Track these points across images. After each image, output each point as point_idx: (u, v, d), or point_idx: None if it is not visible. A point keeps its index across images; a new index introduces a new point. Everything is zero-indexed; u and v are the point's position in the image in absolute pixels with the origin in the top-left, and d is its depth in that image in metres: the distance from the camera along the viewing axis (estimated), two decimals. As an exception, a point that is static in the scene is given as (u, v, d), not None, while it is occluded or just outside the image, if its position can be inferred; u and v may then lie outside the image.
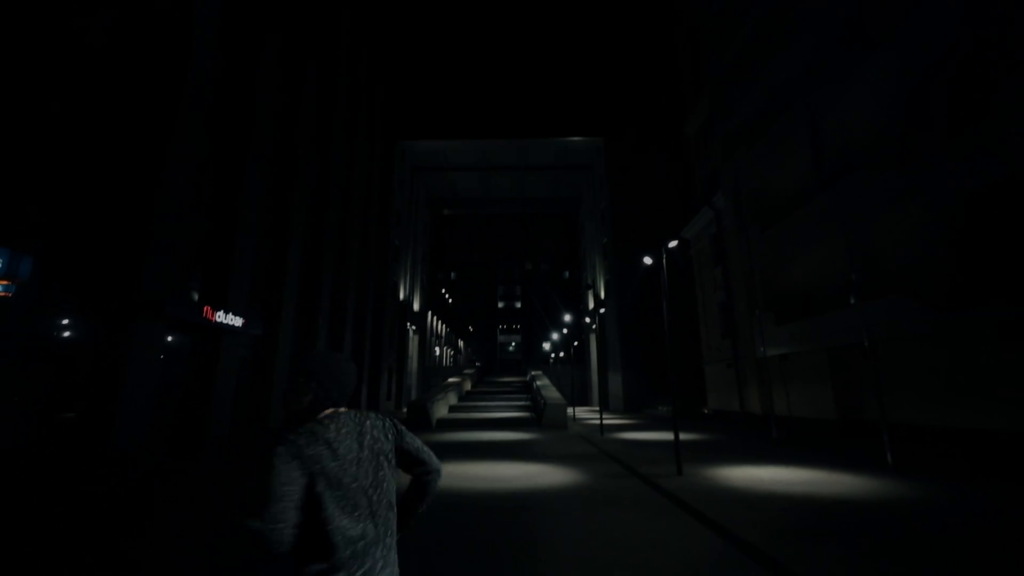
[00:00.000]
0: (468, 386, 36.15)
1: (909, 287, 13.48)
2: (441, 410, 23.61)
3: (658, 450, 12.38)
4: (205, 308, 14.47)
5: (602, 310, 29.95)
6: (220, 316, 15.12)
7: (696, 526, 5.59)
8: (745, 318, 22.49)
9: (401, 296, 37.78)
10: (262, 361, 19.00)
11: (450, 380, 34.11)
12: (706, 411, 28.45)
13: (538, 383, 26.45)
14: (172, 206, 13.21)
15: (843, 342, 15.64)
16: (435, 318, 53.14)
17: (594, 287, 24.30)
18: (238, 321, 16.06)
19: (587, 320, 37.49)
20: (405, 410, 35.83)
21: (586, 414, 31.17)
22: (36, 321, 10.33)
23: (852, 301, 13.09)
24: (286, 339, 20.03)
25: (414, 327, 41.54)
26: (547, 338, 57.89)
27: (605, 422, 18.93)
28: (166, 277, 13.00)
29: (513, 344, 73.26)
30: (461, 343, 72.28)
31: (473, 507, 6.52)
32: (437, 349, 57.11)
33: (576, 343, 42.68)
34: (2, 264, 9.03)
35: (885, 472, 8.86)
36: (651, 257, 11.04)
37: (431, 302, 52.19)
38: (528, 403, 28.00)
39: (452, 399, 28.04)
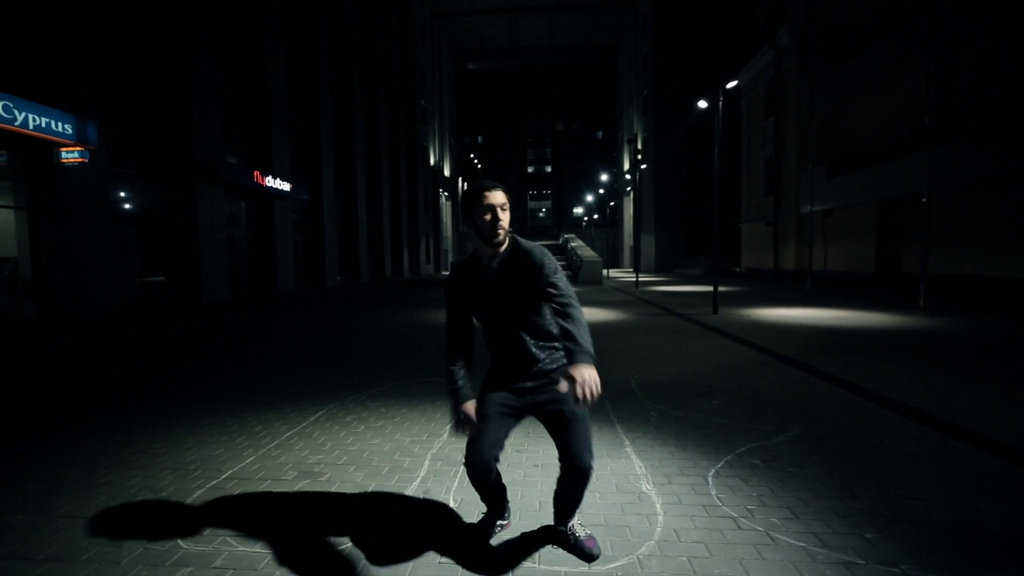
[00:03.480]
0: (503, 250, 37.19)
1: (982, 131, 12.44)
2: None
3: (692, 298, 13.20)
4: (255, 173, 15.00)
5: (643, 166, 28.88)
6: (269, 181, 15.69)
7: (734, 345, 6.38)
8: (792, 173, 21.52)
9: (432, 161, 37.24)
10: (312, 225, 20.09)
11: (486, 244, 35.06)
12: (738, 269, 29.00)
13: (572, 244, 27.13)
14: (205, 75, 13.01)
15: (896, 194, 15.10)
16: (466, 183, 52.64)
17: (635, 143, 23.26)
18: (286, 186, 16.67)
19: (627, 176, 36.40)
20: (446, 272, 37.84)
21: (618, 274, 32.33)
22: (111, 187, 11.12)
23: (919, 147, 12.24)
24: (330, 204, 20.83)
25: (446, 193, 41.66)
26: (579, 202, 57.19)
27: (638, 279, 19.83)
28: (213, 143, 13.35)
29: (544, 210, 72.73)
30: (491, 210, 72.17)
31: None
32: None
33: (612, 204, 42.19)
34: (72, 129, 9.45)
35: (914, 312, 9.37)
36: (706, 101, 10.42)
37: (461, 167, 51.28)
38: (563, 263, 29.05)
39: (490, 261, 29.24)
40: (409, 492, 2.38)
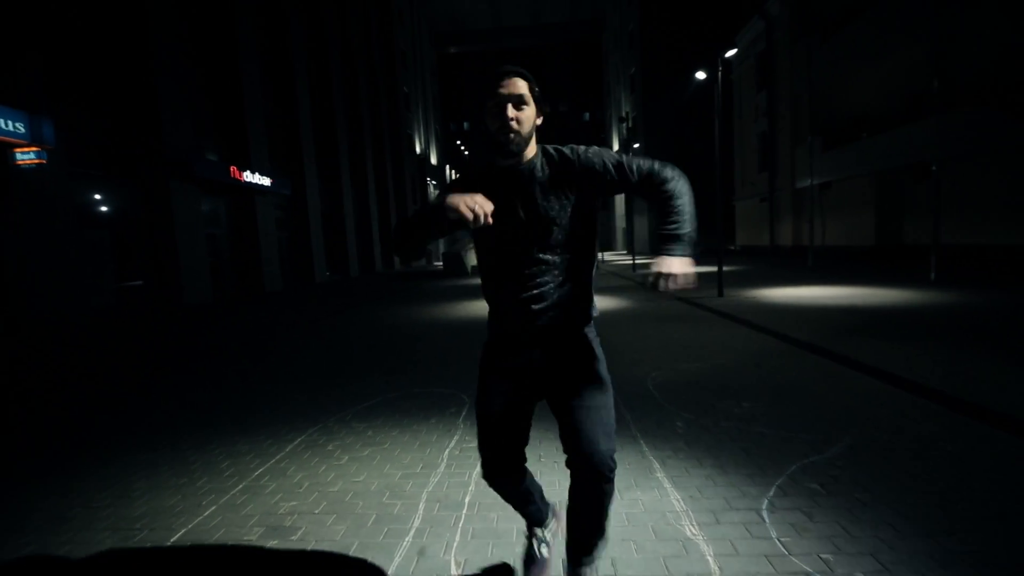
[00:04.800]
0: (494, 237, 36.67)
1: (987, 97, 12.01)
2: (474, 258, 24.54)
3: (693, 280, 12.78)
4: (231, 168, 14.28)
5: (636, 145, 28.32)
6: (248, 176, 14.98)
7: (749, 332, 5.98)
8: (787, 147, 21.08)
9: (418, 149, 36.33)
10: (296, 219, 19.39)
11: (477, 232, 34.76)
12: (733, 248, 28.69)
13: (565, 229, 26.69)
14: (172, 67, 12.19)
15: (896, 164, 14.71)
16: (453, 171, 51.72)
17: (625, 121, 22.70)
18: (266, 181, 15.95)
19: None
20: (439, 262, 37.28)
21: (613, 257, 31.92)
22: (77, 189, 10.41)
23: (918, 115, 11.81)
24: (314, 197, 20.09)
25: (434, 182, 40.82)
26: (569, 186, 56.45)
27: (635, 262, 19.38)
28: (185, 138, 12.60)
29: (534, 195, 71.74)
30: (481, 197, 71.23)
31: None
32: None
33: (601, 188, 41.66)
34: (25, 128, 8.74)
35: (927, 286, 9.04)
36: (701, 72, 9.89)
37: (448, 154, 50.28)
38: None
39: (482, 249, 28.93)
40: (399, 556, 1.92)
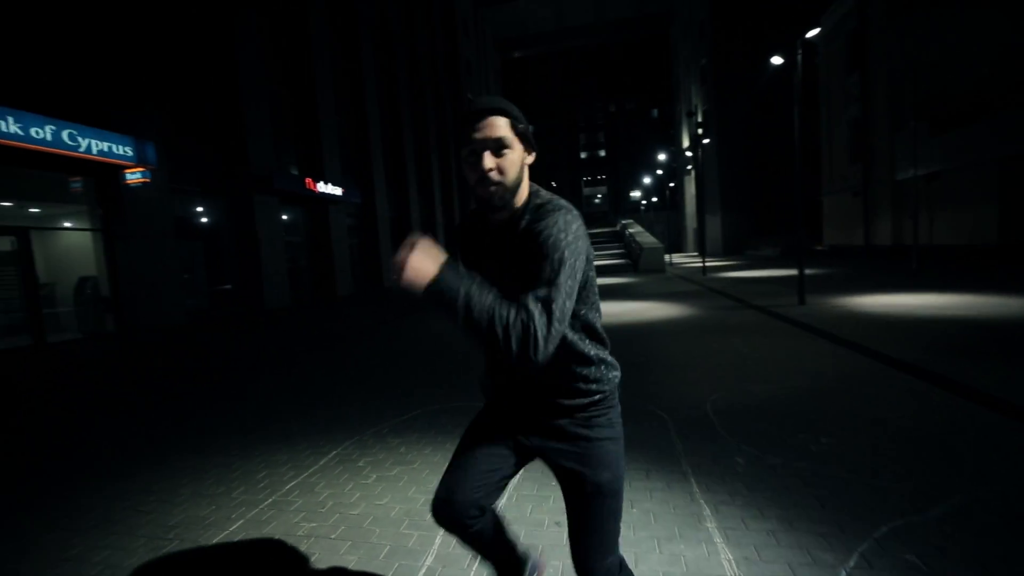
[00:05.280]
0: (557, 240, 36.37)
1: None
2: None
3: (769, 285, 11.72)
4: (307, 180, 15.26)
5: (706, 141, 26.81)
6: (321, 186, 15.93)
7: (835, 349, 5.26)
8: (884, 134, 18.81)
9: (482, 154, 36.94)
10: (366, 226, 20.38)
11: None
12: (820, 247, 26.13)
13: (631, 231, 25.73)
14: (255, 90, 13.29)
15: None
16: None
17: (694, 116, 21.48)
18: (338, 191, 16.88)
19: (688, 153, 34.13)
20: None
21: (682, 259, 30.34)
22: (176, 204, 11.60)
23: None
24: (382, 205, 21.03)
25: (498, 186, 41.29)
26: (636, 185, 54.75)
27: (705, 264, 18.21)
28: (266, 155, 13.65)
29: (599, 196, 70.46)
30: (545, 200, 71.16)
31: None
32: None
33: (672, 184, 39.79)
34: (132, 151, 9.85)
35: (1069, 292, 7.54)
36: (779, 57, 8.99)
37: (512, 159, 50.62)
38: (622, 251, 27.73)
39: (544, 252, 28.77)
40: (404, 601, 1.77)
